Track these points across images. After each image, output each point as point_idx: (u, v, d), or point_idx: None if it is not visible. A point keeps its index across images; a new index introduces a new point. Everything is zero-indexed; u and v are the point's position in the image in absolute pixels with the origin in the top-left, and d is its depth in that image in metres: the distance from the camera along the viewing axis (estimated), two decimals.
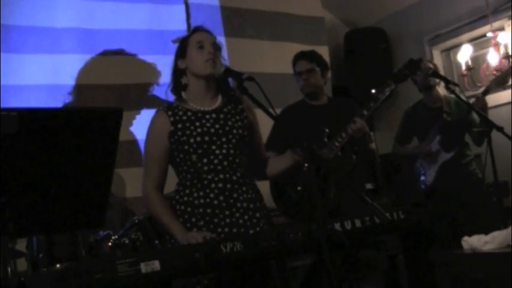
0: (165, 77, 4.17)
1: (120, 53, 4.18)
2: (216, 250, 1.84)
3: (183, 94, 2.37)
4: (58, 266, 2.68)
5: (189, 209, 2.26)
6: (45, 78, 3.89)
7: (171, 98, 2.42)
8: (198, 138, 2.27)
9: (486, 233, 2.59)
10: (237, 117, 2.38)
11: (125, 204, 3.57)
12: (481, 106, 3.58)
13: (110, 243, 2.82)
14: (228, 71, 2.28)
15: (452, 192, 3.85)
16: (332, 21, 5.93)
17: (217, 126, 2.31)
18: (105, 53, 4.13)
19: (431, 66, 3.87)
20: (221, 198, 2.25)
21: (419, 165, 4.00)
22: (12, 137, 1.52)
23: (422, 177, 3.96)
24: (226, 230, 2.23)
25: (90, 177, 1.71)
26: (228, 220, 2.24)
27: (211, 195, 2.25)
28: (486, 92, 3.74)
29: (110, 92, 4.10)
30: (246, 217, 2.28)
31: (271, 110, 2.07)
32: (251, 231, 2.26)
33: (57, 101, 3.88)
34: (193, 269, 1.81)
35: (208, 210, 2.24)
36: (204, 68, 2.31)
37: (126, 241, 2.84)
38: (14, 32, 3.82)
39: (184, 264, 1.78)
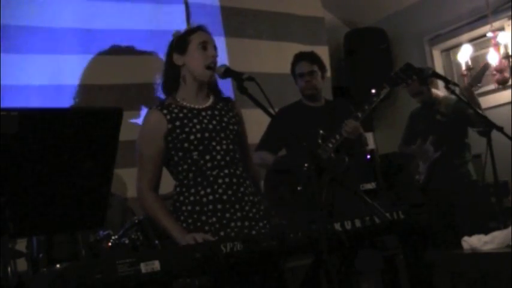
0: None
1: (120, 52, 4.18)
2: (216, 250, 1.84)
3: (176, 92, 2.34)
4: (58, 266, 2.68)
5: (197, 208, 2.24)
6: (45, 78, 3.89)
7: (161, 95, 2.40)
8: (198, 135, 2.26)
9: (477, 234, 2.60)
10: (230, 114, 2.38)
11: (125, 204, 3.58)
12: (468, 96, 3.60)
13: (110, 243, 2.82)
14: (228, 71, 2.27)
15: (442, 192, 3.88)
16: (332, 21, 5.93)
17: (214, 122, 2.31)
18: (105, 53, 4.13)
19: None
20: (230, 192, 2.25)
21: (416, 165, 4.06)
22: (12, 137, 1.52)
23: (417, 176, 4.03)
24: (238, 223, 2.23)
25: (90, 177, 1.71)
26: (239, 214, 2.24)
27: (220, 191, 2.24)
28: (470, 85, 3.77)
29: (110, 92, 4.10)
30: (254, 210, 2.29)
31: (271, 110, 2.07)
32: (260, 224, 2.28)
33: (58, 101, 3.89)
34: (193, 269, 1.81)
35: (219, 206, 2.23)
36: (205, 74, 2.30)
37: (126, 241, 2.84)
38: (15, 32, 3.82)
39: (184, 264, 1.78)
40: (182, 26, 4.37)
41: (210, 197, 2.24)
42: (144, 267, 1.70)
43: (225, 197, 2.24)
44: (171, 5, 4.48)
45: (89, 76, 4.04)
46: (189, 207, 2.26)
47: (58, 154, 1.62)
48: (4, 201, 1.57)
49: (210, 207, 2.23)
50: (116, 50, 4.17)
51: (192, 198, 2.26)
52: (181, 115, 2.29)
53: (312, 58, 3.51)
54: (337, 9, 5.97)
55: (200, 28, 2.40)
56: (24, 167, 1.58)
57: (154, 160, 2.29)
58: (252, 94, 2.14)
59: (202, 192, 2.25)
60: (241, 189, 2.28)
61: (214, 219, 2.22)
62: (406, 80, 3.32)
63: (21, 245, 2.95)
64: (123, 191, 3.81)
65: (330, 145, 3.20)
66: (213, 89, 2.40)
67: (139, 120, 3.94)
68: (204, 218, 2.23)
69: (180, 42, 2.36)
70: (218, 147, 2.28)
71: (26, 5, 3.89)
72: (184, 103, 2.32)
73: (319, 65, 3.50)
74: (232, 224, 2.22)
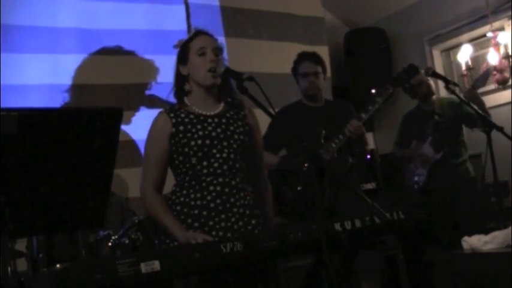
0: (165, 76, 4.20)
1: (119, 52, 4.19)
2: (216, 250, 1.84)
3: (186, 99, 2.36)
4: (58, 266, 2.68)
5: (185, 210, 2.26)
6: (45, 78, 3.89)
7: (172, 99, 2.41)
8: (199, 142, 2.26)
9: (477, 232, 2.61)
10: (239, 123, 2.37)
11: (125, 204, 3.57)
12: (471, 97, 3.61)
13: (110, 243, 2.82)
14: (228, 71, 2.27)
15: (443, 192, 3.89)
16: (332, 21, 5.93)
17: (219, 130, 2.31)
18: (105, 53, 4.13)
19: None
20: (218, 201, 2.25)
21: (413, 166, 4.05)
22: (12, 137, 1.52)
23: (416, 178, 4.04)
24: (220, 233, 2.22)
25: (90, 177, 1.71)
26: (223, 224, 2.24)
27: (209, 198, 2.24)
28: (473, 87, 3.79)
29: (110, 92, 4.10)
30: (241, 223, 2.27)
31: (271, 110, 2.07)
32: None
33: (57, 101, 3.89)
34: (193, 269, 1.81)
35: (204, 213, 2.24)
36: (206, 78, 2.30)
37: (126, 241, 2.84)
38: (14, 31, 3.82)
39: (184, 264, 1.78)
40: (182, 26, 4.39)
41: (198, 202, 2.25)
42: (144, 267, 1.70)
43: (212, 205, 2.24)
44: (171, 5, 4.47)
45: (88, 76, 4.04)
46: (178, 208, 2.27)
47: (58, 154, 1.62)
48: (4, 201, 1.57)
49: (196, 211, 2.24)
50: (115, 50, 4.17)
51: (182, 199, 2.28)
52: (186, 120, 2.30)
53: (316, 59, 3.53)
54: (337, 9, 5.97)
55: (199, 33, 2.39)
56: (24, 167, 1.58)
57: (158, 161, 2.31)
58: (252, 94, 2.14)
59: (192, 196, 2.26)
60: (232, 199, 2.27)
61: (196, 224, 2.23)
62: (408, 80, 3.33)
63: (21, 245, 2.94)
64: (123, 191, 3.81)
65: (333, 145, 3.20)
66: (224, 94, 2.38)
67: (128, 127, 3.98)
68: (189, 221, 2.24)
69: (181, 53, 2.38)
70: (218, 155, 2.27)
71: (26, 5, 3.89)
72: (193, 108, 2.34)
73: (322, 66, 3.53)
74: (214, 233, 2.22)
